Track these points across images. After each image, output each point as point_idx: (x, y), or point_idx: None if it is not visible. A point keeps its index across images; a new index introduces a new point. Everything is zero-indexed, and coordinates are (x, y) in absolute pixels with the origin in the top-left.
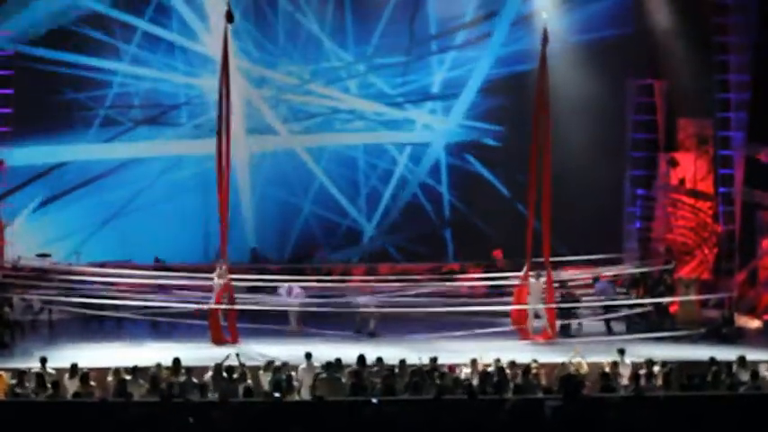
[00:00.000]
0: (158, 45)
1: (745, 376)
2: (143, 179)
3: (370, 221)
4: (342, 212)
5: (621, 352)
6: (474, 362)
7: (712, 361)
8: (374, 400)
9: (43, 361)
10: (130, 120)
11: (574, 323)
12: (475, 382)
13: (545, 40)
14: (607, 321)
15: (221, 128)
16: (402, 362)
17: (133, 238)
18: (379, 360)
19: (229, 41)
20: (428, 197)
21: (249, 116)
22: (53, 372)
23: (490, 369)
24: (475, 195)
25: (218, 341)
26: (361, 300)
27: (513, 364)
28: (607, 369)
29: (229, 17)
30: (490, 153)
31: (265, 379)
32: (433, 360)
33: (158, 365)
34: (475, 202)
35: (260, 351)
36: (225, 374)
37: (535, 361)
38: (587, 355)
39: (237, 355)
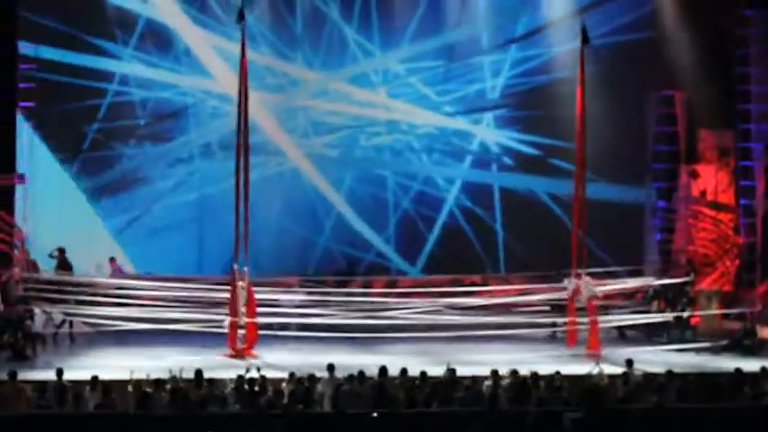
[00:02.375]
0: (160, 47)
1: None
2: (148, 199)
3: (406, 259)
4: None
5: (629, 363)
6: (495, 373)
7: (738, 373)
8: (374, 414)
9: (59, 373)
10: (132, 136)
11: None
12: (496, 393)
13: (584, 39)
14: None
15: (240, 141)
16: (423, 373)
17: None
18: (403, 371)
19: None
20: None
21: (257, 130)
22: (69, 384)
23: (509, 381)
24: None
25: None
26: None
27: (535, 376)
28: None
29: (240, 15)
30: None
31: (288, 391)
32: (452, 371)
33: (173, 378)
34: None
35: (276, 361)
36: (246, 387)
37: (558, 373)
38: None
39: (258, 369)
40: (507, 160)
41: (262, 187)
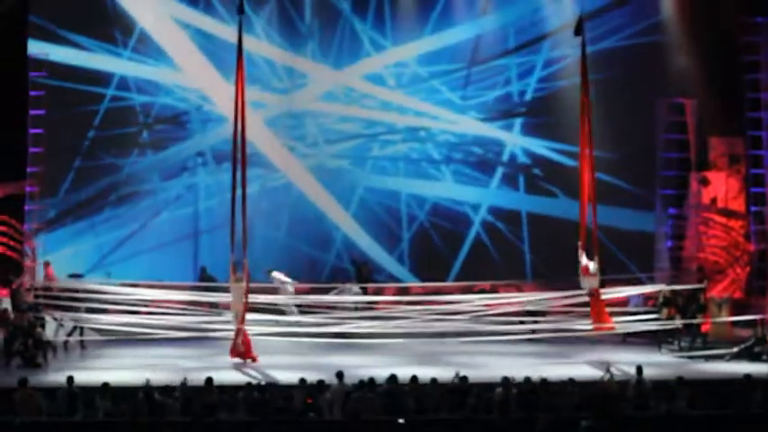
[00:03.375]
0: (160, 51)
1: None
2: (149, 211)
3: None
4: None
5: (640, 370)
6: (507, 380)
7: (748, 379)
8: (401, 421)
9: (70, 380)
10: (132, 144)
11: None
12: (507, 400)
13: (580, 29)
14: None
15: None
16: (434, 380)
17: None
18: (414, 379)
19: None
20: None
21: (262, 137)
22: (79, 391)
23: (522, 388)
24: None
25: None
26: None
27: (545, 382)
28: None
29: (240, 8)
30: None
31: (297, 398)
32: (463, 379)
33: (183, 384)
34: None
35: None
36: (256, 393)
37: (571, 379)
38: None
39: (266, 382)
40: (533, 169)
41: (267, 198)
